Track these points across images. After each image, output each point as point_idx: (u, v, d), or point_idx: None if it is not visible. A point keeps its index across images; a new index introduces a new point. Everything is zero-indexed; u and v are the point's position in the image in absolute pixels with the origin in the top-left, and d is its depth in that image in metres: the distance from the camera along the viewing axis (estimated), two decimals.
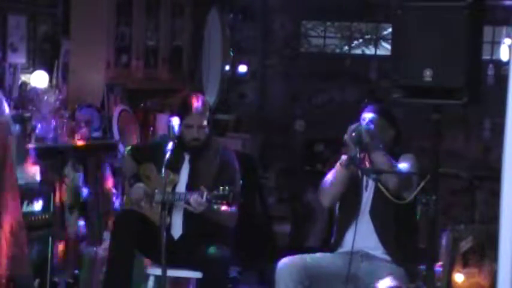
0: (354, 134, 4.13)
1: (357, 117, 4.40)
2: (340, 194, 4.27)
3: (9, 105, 4.94)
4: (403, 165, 4.22)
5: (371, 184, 4.21)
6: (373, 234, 4.22)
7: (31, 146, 4.90)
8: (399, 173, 4.13)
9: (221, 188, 4.21)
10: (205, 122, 4.52)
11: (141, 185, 4.56)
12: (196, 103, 4.52)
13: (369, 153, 4.15)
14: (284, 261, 4.16)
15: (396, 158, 4.26)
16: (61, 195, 5.15)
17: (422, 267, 4.23)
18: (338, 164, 4.25)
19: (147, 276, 4.56)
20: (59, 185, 5.13)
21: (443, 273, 4.93)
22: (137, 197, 4.54)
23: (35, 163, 4.84)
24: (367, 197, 4.25)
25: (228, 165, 4.56)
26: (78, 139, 5.43)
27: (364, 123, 4.23)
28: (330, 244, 4.40)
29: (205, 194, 4.22)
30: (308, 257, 4.20)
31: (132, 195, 4.58)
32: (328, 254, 4.26)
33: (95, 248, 5.33)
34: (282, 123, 8.06)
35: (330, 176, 4.29)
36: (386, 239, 4.19)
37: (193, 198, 4.27)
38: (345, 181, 4.22)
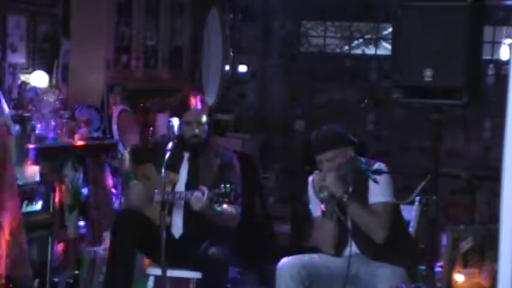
0: (321, 194, 4.08)
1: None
2: (336, 236, 4.22)
3: (9, 105, 4.95)
4: (377, 202, 4.10)
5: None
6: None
7: (31, 146, 4.89)
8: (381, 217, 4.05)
9: (222, 186, 4.21)
10: (204, 119, 4.52)
11: (139, 185, 4.55)
12: (194, 100, 4.54)
13: (344, 207, 4.09)
14: (284, 262, 4.15)
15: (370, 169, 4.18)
16: (61, 195, 5.14)
17: (422, 267, 4.22)
18: (318, 218, 4.19)
19: (147, 276, 4.56)
20: (58, 185, 5.13)
21: (443, 273, 4.93)
22: (136, 198, 4.53)
23: (35, 163, 4.84)
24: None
25: (229, 165, 4.56)
26: (78, 139, 5.43)
27: (330, 176, 4.07)
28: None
29: (206, 192, 4.22)
30: (308, 257, 4.20)
31: (130, 196, 4.58)
32: (328, 255, 4.25)
33: (95, 248, 5.33)
34: (282, 123, 8.06)
35: (318, 230, 4.23)
36: (372, 253, 4.16)
37: (194, 195, 4.28)
38: (334, 227, 4.16)
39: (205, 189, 4.25)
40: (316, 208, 4.23)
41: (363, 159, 4.20)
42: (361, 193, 4.11)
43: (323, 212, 4.15)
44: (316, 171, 4.21)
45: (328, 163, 4.10)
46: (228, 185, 4.21)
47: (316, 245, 4.32)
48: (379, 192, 4.10)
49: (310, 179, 4.27)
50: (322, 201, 4.12)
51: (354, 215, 4.10)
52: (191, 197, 4.30)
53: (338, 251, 4.21)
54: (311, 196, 4.27)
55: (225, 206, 4.31)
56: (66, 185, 5.22)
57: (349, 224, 4.16)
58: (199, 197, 4.26)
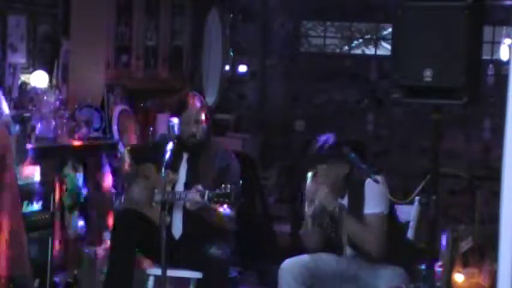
0: (313, 207, 4.07)
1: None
2: (321, 241, 4.21)
3: (9, 105, 4.95)
4: (371, 213, 4.07)
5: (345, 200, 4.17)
6: None
7: (31, 146, 4.89)
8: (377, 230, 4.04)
9: (223, 186, 4.20)
10: (202, 117, 4.53)
11: (139, 186, 4.56)
12: (192, 100, 4.55)
13: (336, 220, 4.09)
14: (286, 262, 4.16)
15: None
16: (61, 195, 5.14)
17: (423, 267, 4.22)
18: (310, 219, 4.17)
19: (147, 276, 4.56)
20: (58, 185, 5.13)
21: (443, 273, 4.94)
22: (138, 197, 4.54)
23: (35, 163, 4.84)
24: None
25: (229, 167, 4.55)
26: (78, 139, 5.43)
27: (322, 190, 4.06)
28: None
29: (206, 192, 4.22)
30: (310, 258, 4.20)
31: (132, 194, 4.59)
32: (329, 255, 4.25)
33: (95, 248, 5.33)
34: (282, 123, 8.06)
35: (305, 230, 4.21)
36: (366, 257, 4.15)
37: (188, 196, 4.28)
38: (320, 232, 4.17)
39: (201, 188, 4.24)
40: (309, 208, 4.23)
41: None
42: (356, 203, 4.08)
43: (312, 219, 4.14)
44: (311, 175, 4.19)
45: (323, 176, 4.09)
46: (228, 186, 4.21)
47: (303, 241, 4.31)
48: (373, 202, 4.06)
49: (309, 174, 4.26)
50: (313, 212, 4.11)
51: (347, 228, 4.08)
52: (185, 197, 4.31)
53: (338, 251, 4.21)
54: (307, 194, 4.26)
55: (224, 206, 4.30)
56: (66, 185, 5.22)
57: (344, 235, 4.16)
58: (194, 198, 4.25)
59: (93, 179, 5.50)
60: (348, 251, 4.18)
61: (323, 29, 8.22)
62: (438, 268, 4.88)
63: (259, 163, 7.49)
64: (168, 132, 4.29)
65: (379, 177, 4.08)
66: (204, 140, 4.57)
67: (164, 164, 4.10)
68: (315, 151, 4.13)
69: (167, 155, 4.12)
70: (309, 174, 4.23)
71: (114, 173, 5.63)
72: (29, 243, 4.26)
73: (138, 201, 4.54)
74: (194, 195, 4.26)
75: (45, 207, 4.81)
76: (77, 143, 5.40)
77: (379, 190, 4.06)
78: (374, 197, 4.06)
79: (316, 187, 4.10)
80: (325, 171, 4.10)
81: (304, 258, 4.19)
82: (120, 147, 5.77)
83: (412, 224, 4.40)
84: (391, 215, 4.19)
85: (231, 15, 7.86)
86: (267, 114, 8.12)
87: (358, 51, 8.17)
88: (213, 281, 4.36)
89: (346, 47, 8.22)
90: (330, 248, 4.21)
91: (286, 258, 4.22)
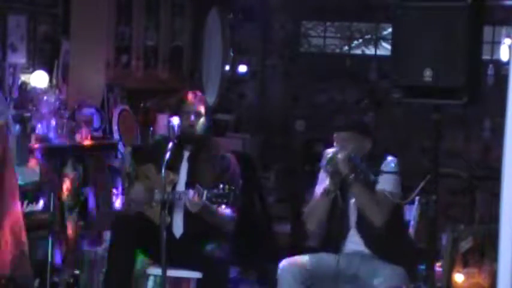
0: (328, 166, 4.11)
1: (357, 116, 4.40)
2: (325, 218, 4.24)
3: (9, 105, 4.95)
4: (382, 189, 4.12)
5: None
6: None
7: (31, 146, 4.89)
8: (382, 206, 4.07)
9: (221, 186, 4.20)
10: (201, 109, 4.54)
11: (140, 186, 4.57)
12: (190, 95, 4.59)
13: (347, 185, 4.11)
14: (286, 262, 4.16)
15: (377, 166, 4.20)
16: (61, 195, 5.14)
17: (422, 267, 4.23)
18: (317, 194, 4.23)
19: (147, 276, 4.56)
20: (59, 184, 5.13)
21: (443, 273, 4.94)
22: (138, 199, 4.54)
23: (35, 163, 4.84)
24: (353, 206, 4.23)
25: (229, 169, 4.55)
26: (78, 139, 5.43)
27: (342, 153, 4.12)
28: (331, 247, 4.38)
29: (205, 192, 4.22)
30: (310, 257, 4.21)
31: (133, 196, 4.59)
32: (329, 254, 4.25)
33: (95, 248, 5.33)
34: (282, 123, 8.06)
35: (312, 205, 4.27)
36: (374, 246, 4.17)
37: (188, 197, 4.28)
38: (327, 208, 4.19)
39: (201, 188, 4.24)
40: (320, 188, 4.26)
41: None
42: (370, 182, 4.13)
43: (324, 189, 4.16)
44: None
45: (343, 142, 4.14)
46: (227, 186, 4.20)
47: (305, 219, 4.32)
48: (387, 182, 4.13)
49: (327, 150, 4.29)
50: (327, 173, 4.13)
51: (356, 194, 4.12)
52: (185, 197, 4.31)
53: (338, 247, 4.21)
54: (321, 177, 4.28)
55: (223, 206, 4.31)
56: (66, 185, 5.22)
57: (352, 216, 4.18)
58: (193, 198, 4.25)
59: (93, 179, 5.50)
60: (347, 248, 4.18)
61: (323, 29, 8.22)
62: (438, 268, 4.88)
63: (259, 163, 7.49)
64: (168, 132, 4.29)
65: (376, 177, 4.12)
66: (204, 136, 4.58)
67: (164, 164, 4.10)
68: (344, 118, 4.28)
69: (167, 155, 4.12)
70: (327, 150, 4.26)
71: (114, 173, 5.63)
72: (29, 243, 4.26)
73: (138, 201, 4.54)
74: (193, 195, 4.26)
75: (45, 207, 4.81)
76: (77, 143, 5.40)
77: (394, 176, 4.15)
78: (389, 179, 4.13)
79: (336, 150, 4.14)
80: (346, 139, 4.17)
81: (304, 258, 4.20)
82: (120, 147, 5.77)
83: (412, 224, 4.41)
84: (398, 212, 4.21)
85: (231, 15, 7.86)
86: (267, 114, 8.12)
87: (358, 51, 8.17)
88: (213, 281, 4.36)
89: (346, 47, 8.22)
90: (332, 238, 4.22)
91: (286, 258, 4.22)
